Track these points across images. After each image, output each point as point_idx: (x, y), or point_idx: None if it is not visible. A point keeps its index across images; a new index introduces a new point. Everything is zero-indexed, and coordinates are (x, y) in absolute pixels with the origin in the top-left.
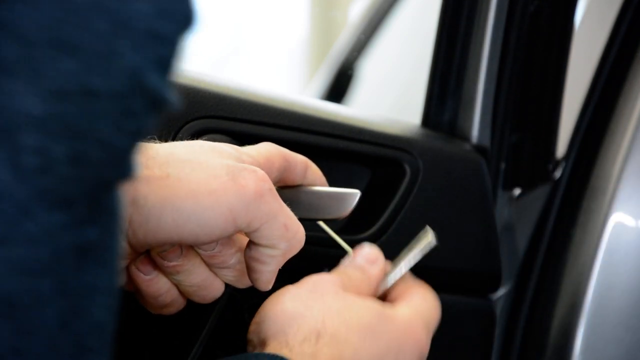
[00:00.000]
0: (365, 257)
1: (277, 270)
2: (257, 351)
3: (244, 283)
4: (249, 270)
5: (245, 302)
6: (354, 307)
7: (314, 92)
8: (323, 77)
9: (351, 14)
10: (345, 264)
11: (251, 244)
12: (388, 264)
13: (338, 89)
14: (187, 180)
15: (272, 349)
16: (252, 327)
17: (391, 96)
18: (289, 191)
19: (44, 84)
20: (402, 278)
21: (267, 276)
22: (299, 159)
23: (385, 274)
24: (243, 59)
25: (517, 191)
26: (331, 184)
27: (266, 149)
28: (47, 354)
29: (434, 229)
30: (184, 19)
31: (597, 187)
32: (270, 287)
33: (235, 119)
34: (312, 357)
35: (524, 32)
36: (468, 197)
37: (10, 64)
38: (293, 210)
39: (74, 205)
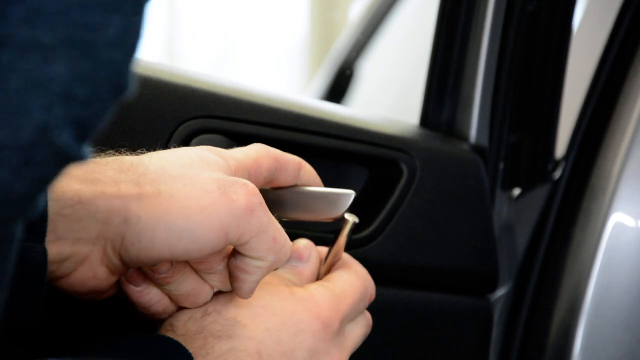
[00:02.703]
0: (295, 255)
1: (260, 280)
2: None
3: (229, 288)
4: (233, 279)
5: None
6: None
7: (313, 92)
8: (323, 77)
9: (351, 14)
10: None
11: (237, 253)
12: (324, 250)
13: (338, 89)
14: (178, 197)
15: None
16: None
17: (391, 96)
18: (281, 192)
19: None
20: (339, 262)
21: (250, 286)
22: (291, 159)
23: (321, 261)
24: (242, 59)
25: (516, 191)
26: (328, 184)
27: (255, 150)
28: None
29: (431, 228)
30: (107, 84)
31: (597, 187)
32: (251, 296)
33: (231, 119)
34: (196, 333)
35: (523, 32)
36: (465, 197)
37: None
38: (286, 211)
39: None
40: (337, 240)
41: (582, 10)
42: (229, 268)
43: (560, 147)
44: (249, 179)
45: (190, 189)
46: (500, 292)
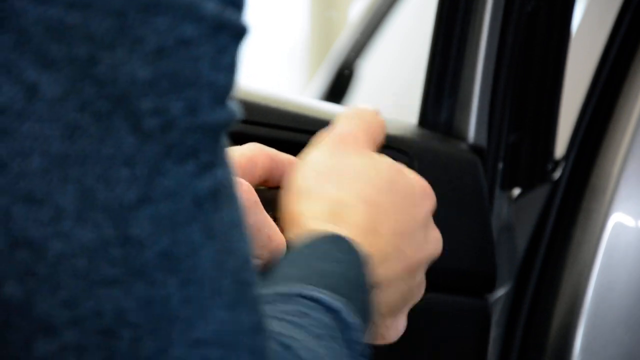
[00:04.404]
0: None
1: None
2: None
3: None
4: None
5: None
6: (376, 164)
7: (313, 92)
8: (323, 77)
9: (351, 14)
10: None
11: None
12: None
13: (338, 89)
14: None
15: (305, 228)
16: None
17: (391, 96)
18: (275, 192)
19: (143, 47)
20: None
21: None
22: (287, 158)
23: None
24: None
25: (516, 191)
26: None
27: (249, 149)
28: (211, 297)
29: None
30: None
31: (597, 187)
32: None
33: None
34: (340, 223)
35: (521, 31)
36: (463, 196)
37: (107, 38)
38: (280, 211)
39: (200, 153)
40: None
41: (581, 10)
42: None
43: (560, 147)
44: (244, 177)
45: None
46: (500, 292)
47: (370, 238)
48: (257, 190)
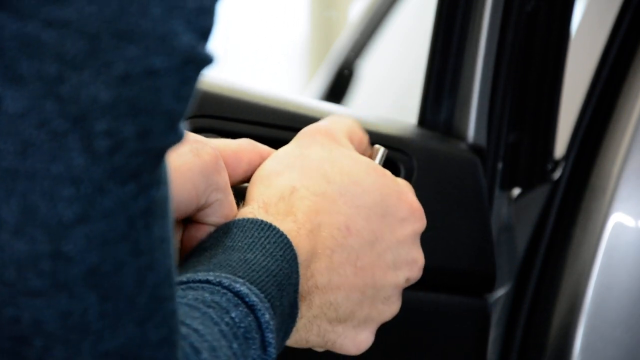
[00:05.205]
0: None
1: None
2: None
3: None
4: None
5: None
6: (338, 158)
7: (313, 92)
8: (322, 77)
9: (351, 14)
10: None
11: (192, 224)
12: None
13: (337, 89)
14: None
15: (248, 213)
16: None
17: (391, 96)
18: None
19: (110, 71)
20: None
21: None
22: None
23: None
24: (242, 59)
25: (516, 191)
26: None
27: (237, 143)
28: (128, 311)
29: (428, 228)
30: None
31: (597, 187)
32: None
33: (228, 119)
34: (287, 214)
35: (521, 31)
36: (463, 196)
37: (78, 59)
38: None
39: (141, 175)
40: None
41: (581, 10)
42: (183, 244)
43: (560, 147)
44: (227, 170)
45: None
46: (500, 292)
47: (314, 232)
48: (241, 188)
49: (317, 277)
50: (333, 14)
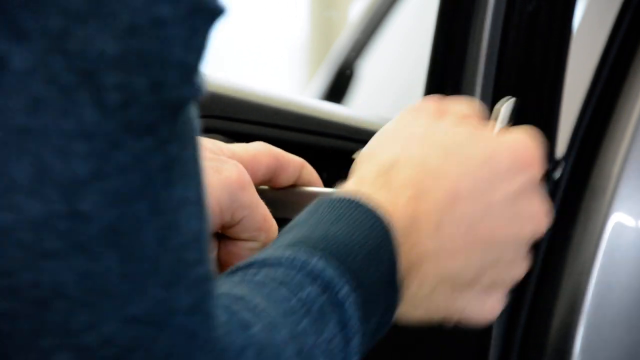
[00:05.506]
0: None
1: None
2: None
3: None
4: (225, 268)
5: None
6: (439, 128)
7: (313, 92)
8: (323, 77)
9: (351, 14)
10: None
11: (228, 240)
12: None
13: (338, 89)
14: None
15: (341, 190)
16: None
17: (391, 96)
18: (281, 192)
19: (116, 23)
20: None
21: None
22: (293, 159)
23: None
24: (242, 59)
25: None
26: (327, 184)
27: (254, 147)
28: (152, 274)
29: None
30: None
31: (597, 187)
32: None
33: (231, 119)
34: (385, 185)
35: (522, 31)
36: None
37: (81, 12)
38: (284, 211)
39: (158, 129)
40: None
41: (582, 10)
42: (220, 259)
43: (561, 147)
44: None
45: None
46: None
47: (416, 198)
48: (261, 191)
49: (426, 243)
50: (333, 14)
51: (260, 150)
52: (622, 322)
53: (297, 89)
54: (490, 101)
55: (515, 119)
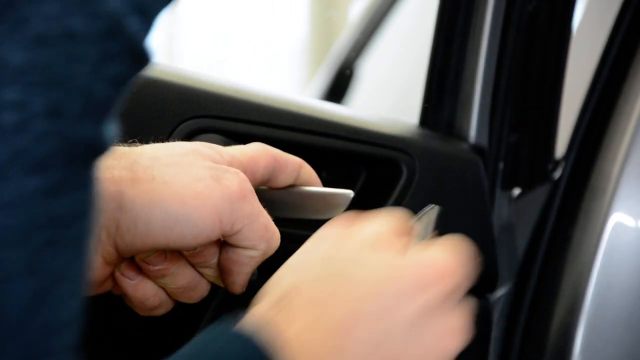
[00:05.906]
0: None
1: (251, 273)
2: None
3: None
4: (226, 274)
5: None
6: (342, 252)
7: (313, 92)
8: (323, 77)
9: (351, 14)
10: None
11: (229, 246)
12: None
13: (338, 89)
14: (172, 183)
15: (247, 317)
16: None
17: (391, 96)
18: (279, 192)
19: (26, 30)
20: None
21: (243, 279)
22: (291, 159)
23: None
24: (242, 59)
25: (516, 191)
26: (327, 184)
27: (252, 149)
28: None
29: None
30: None
31: (597, 187)
32: (244, 290)
33: (230, 119)
34: (283, 311)
35: (522, 31)
36: (465, 197)
37: None
38: (283, 211)
39: (50, 168)
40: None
41: (582, 10)
42: (220, 264)
43: (560, 147)
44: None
45: (183, 176)
46: (500, 292)
47: (315, 325)
48: (259, 191)
49: None
50: (333, 14)
51: (258, 151)
52: (622, 322)
53: (297, 89)
54: (490, 101)
55: (515, 120)
